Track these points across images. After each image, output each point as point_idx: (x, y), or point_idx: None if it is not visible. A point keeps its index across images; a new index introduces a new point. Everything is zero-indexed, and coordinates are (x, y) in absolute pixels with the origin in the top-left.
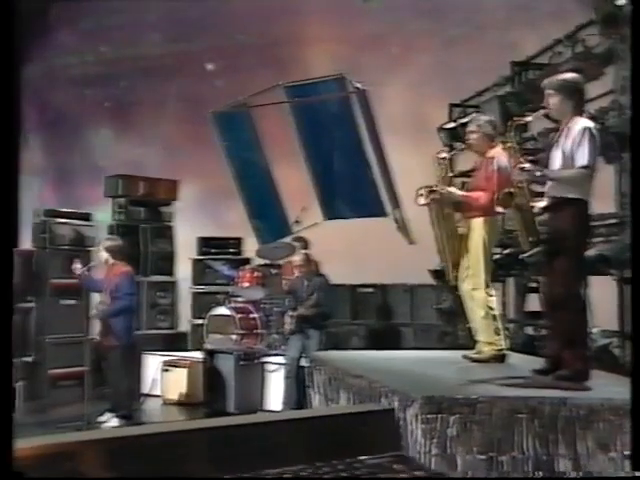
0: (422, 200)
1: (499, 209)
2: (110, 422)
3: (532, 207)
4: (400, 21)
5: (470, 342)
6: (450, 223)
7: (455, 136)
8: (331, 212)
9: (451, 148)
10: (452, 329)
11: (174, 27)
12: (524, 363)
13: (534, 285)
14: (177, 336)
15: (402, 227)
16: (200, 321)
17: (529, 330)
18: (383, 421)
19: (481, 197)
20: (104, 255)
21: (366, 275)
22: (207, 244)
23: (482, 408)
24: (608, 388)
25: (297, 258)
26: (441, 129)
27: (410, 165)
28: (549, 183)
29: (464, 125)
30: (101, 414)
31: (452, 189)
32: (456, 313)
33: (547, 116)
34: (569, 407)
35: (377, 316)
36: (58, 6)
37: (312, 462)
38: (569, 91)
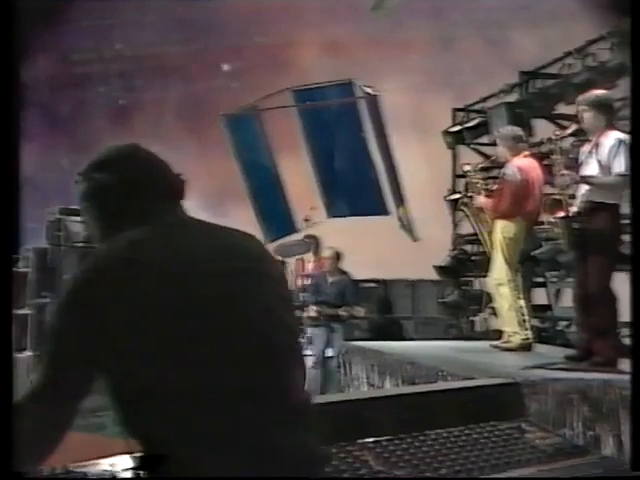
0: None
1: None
2: None
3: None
4: (400, 22)
5: (472, 333)
6: (488, 223)
7: (459, 140)
8: (334, 210)
9: (486, 157)
10: (456, 322)
11: (188, 27)
12: (547, 352)
13: (541, 280)
14: None
15: (406, 225)
16: None
17: (535, 322)
18: (511, 392)
19: (489, 203)
20: None
21: (369, 271)
22: None
23: (539, 389)
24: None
25: (327, 253)
26: (446, 133)
27: (410, 164)
28: (585, 189)
29: (469, 129)
30: None
31: (477, 197)
32: (460, 306)
33: (580, 130)
34: (613, 389)
35: (379, 310)
36: (72, 4)
37: (464, 425)
38: (602, 107)
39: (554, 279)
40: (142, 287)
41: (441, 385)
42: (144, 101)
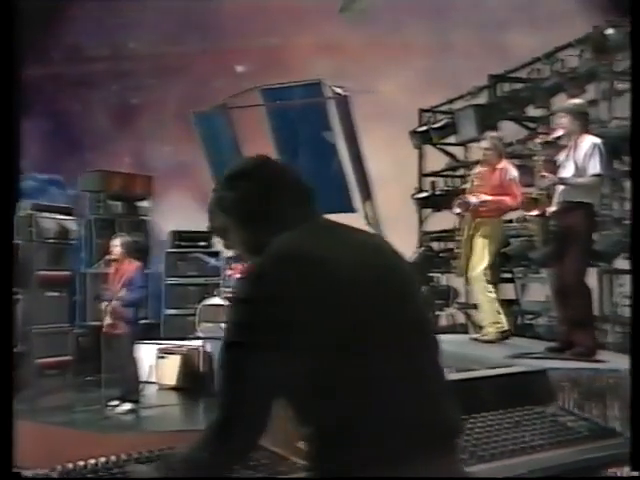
0: (459, 210)
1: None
2: (121, 407)
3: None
4: (398, 22)
5: (438, 328)
6: (470, 227)
7: (426, 140)
8: None
9: (452, 157)
10: None
11: (193, 27)
12: (526, 344)
13: (509, 275)
14: (150, 326)
15: (373, 222)
16: (173, 311)
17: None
18: (541, 379)
19: (508, 200)
20: (119, 250)
21: None
22: (180, 237)
23: None
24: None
25: None
26: (413, 133)
27: (379, 162)
28: (562, 189)
29: (435, 130)
30: (110, 400)
31: (483, 196)
32: (430, 303)
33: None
34: (601, 378)
35: None
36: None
37: (505, 409)
38: (578, 114)
39: (520, 275)
40: (318, 285)
41: (478, 373)
42: (149, 101)
